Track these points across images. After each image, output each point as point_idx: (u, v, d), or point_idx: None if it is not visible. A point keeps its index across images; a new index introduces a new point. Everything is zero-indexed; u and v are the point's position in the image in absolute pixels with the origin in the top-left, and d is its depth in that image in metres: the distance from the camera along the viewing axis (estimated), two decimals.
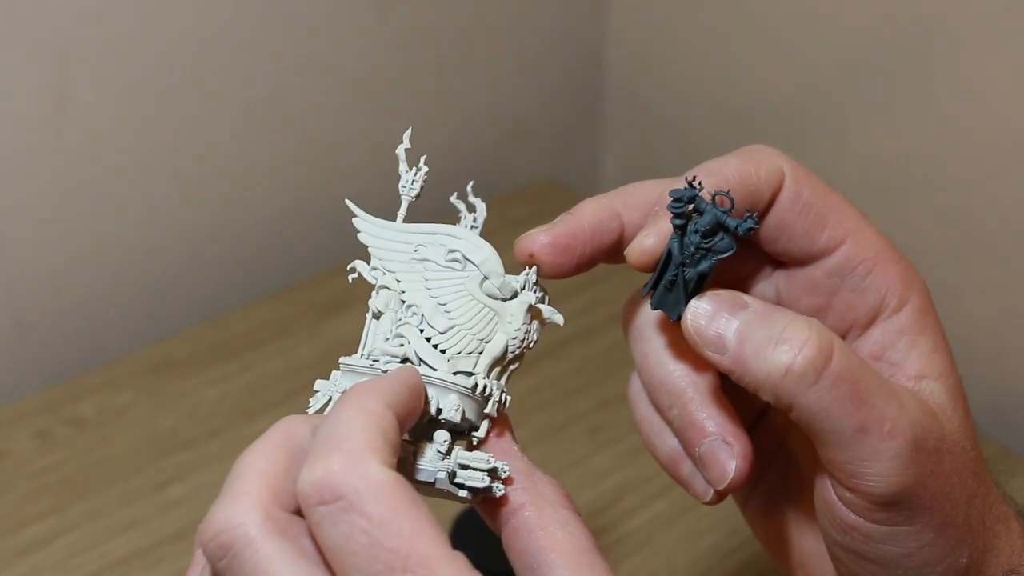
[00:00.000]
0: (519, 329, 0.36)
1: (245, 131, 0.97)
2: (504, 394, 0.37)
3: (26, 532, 0.77)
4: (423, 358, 0.36)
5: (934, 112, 0.88)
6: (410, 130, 0.40)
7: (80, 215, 0.91)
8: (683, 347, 0.37)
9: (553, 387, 0.88)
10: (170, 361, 0.92)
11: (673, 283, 0.36)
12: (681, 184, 0.36)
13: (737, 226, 0.35)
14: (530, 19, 1.12)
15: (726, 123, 1.07)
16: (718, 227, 0.35)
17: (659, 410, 0.39)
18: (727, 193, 0.35)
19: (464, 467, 0.35)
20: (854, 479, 0.34)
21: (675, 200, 0.35)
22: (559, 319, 0.37)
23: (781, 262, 0.39)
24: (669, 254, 0.36)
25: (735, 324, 0.34)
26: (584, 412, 0.86)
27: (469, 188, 0.40)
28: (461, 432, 0.36)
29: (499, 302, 0.36)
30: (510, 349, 0.36)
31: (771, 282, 0.40)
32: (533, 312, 0.37)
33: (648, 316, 0.39)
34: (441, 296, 0.36)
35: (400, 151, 0.40)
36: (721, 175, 0.37)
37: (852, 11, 0.92)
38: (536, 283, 0.37)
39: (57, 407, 0.88)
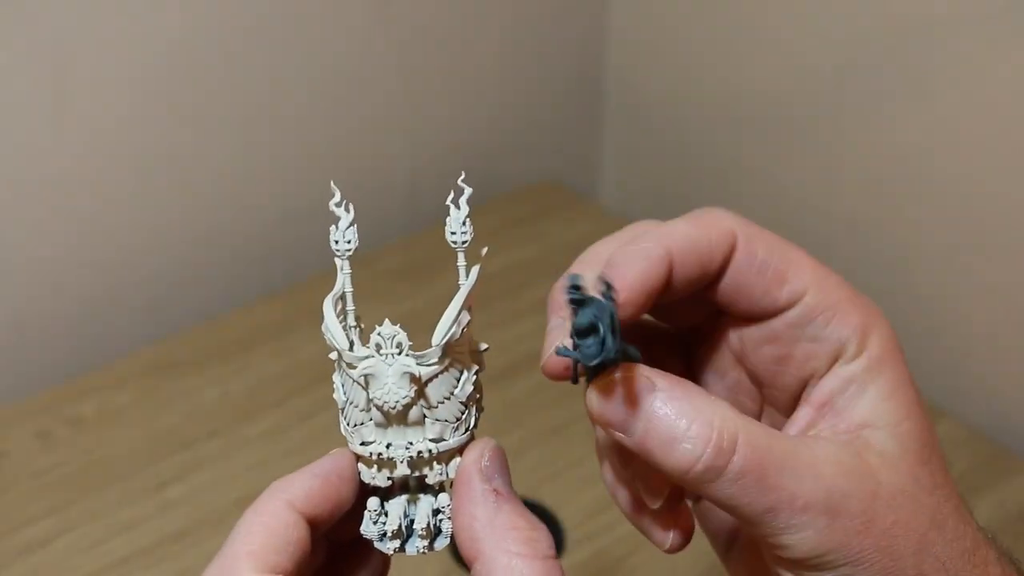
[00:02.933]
0: (379, 389, 0.36)
1: (245, 131, 0.97)
2: (436, 441, 0.37)
3: (26, 532, 0.77)
4: (344, 435, 0.38)
5: (934, 112, 0.88)
6: (332, 182, 0.39)
7: (80, 215, 0.91)
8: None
9: (553, 387, 0.88)
10: (170, 361, 0.92)
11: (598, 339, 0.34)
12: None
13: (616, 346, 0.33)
14: (530, 19, 1.12)
15: (726, 123, 1.07)
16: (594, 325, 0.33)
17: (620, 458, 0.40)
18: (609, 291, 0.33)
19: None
20: (774, 549, 0.35)
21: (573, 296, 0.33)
22: (416, 369, 0.36)
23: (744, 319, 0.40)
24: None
25: (642, 414, 0.34)
26: (584, 412, 0.86)
27: (461, 180, 0.39)
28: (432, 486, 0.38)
29: (357, 371, 0.36)
30: (387, 407, 0.36)
31: (735, 333, 0.40)
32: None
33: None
34: (342, 377, 0.38)
35: (333, 205, 0.39)
36: (661, 245, 0.36)
37: (851, 12, 0.92)
38: (395, 341, 0.36)
39: (57, 407, 0.88)
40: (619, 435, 0.35)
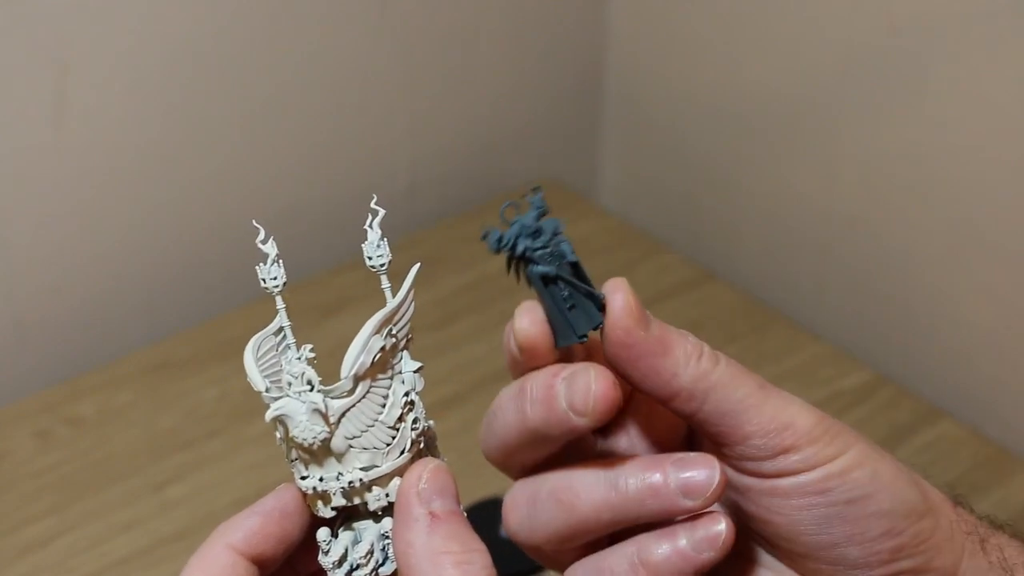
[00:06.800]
0: (296, 427, 0.36)
1: (245, 131, 0.97)
2: (367, 469, 0.37)
3: (26, 532, 0.77)
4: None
5: (933, 113, 0.88)
6: (254, 222, 0.39)
7: (80, 215, 0.91)
8: None
9: None
10: (170, 361, 0.92)
11: (570, 298, 0.37)
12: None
13: (538, 207, 0.36)
14: (531, 20, 1.12)
15: (725, 124, 1.07)
16: (536, 225, 0.37)
17: None
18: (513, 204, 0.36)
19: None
20: (776, 432, 0.37)
21: (499, 243, 0.37)
22: (322, 405, 0.36)
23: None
24: (551, 296, 0.37)
25: (655, 327, 0.37)
26: None
27: (373, 203, 0.40)
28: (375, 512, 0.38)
29: (269, 413, 0.36)
30: (306, 444, 0.36)
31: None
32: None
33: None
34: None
35: (260, 242, 0.39)
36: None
37: (851, 13, 0.92)
38: (306, 380, 0.37)
39: (57, 407, 0.88)
40: (637, 331, 0.37)
